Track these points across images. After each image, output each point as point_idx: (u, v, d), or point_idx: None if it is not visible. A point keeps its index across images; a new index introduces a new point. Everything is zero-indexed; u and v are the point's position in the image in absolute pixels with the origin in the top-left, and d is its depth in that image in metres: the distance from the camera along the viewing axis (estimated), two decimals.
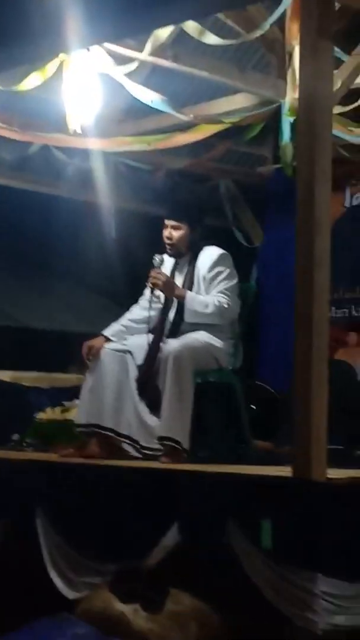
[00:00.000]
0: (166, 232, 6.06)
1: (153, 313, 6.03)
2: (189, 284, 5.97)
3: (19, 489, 5.54)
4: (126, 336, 6.05)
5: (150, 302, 6.02)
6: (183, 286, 5.96)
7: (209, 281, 5.92)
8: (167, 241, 6.05)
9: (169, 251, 6.07)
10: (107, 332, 6.05)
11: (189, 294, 5.86)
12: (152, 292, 6.01)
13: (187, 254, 6.07)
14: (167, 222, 6.06)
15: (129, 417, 5.79)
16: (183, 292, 5.89)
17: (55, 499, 5.39)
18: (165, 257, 6.09)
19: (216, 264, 5.96)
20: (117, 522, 5.09)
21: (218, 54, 7.81)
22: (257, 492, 4.64)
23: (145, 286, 6.12)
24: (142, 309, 6.13)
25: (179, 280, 6.02)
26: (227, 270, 5.96)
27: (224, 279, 5.93)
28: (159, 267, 6.01)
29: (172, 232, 6.04)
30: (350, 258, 9.02)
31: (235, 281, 5.96)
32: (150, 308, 6.02)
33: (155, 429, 5.70)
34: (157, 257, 6.03)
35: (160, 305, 6.06)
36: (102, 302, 11.11)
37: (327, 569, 4.37)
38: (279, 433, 7.77)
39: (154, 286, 5.94)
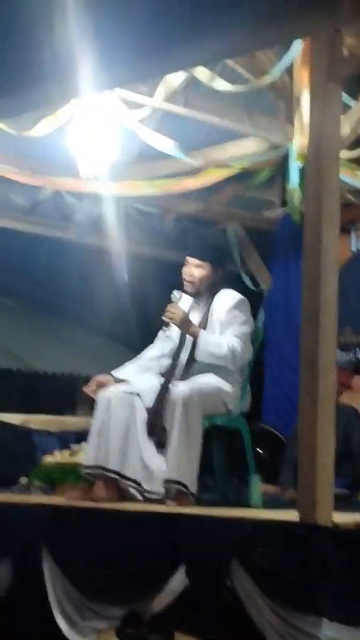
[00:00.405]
0: (187, 270, 6.03)
1: (167, 350, 6.02)
2: (205, 324, 5.95)
3: (26, 531, 5.50)
4: (136, 377, 6.02)
5: (165, 336, 6.02)
6: (198, 326, 5.93)
7: (225, 325, 5.90)
8: (188, 278, 6.03)
9: (187, 289, 6.04)
10: (115, 372, 6.04)
11: (204, 333, 5.84)
12: (166, 326, 5.98)
13: (204, 294, 6.05)
14: (190, 260, 6.03)
15: (134, 461, 5.77)
16: (198, 329, 5.86)
17: (61, 542, 5.36)
18: (183, 295, 6.07)
19: (234, 308, 5.94)
20: (124, 566, 5.06)
21: (227, 99, 7.86)
22: (262, 536, 4.61)
23: (157, 330, 6.11)
24: (155, 347, 6.12)
25: (193, 319, 6.00)
26: (244, 316, 5.94)
27: (240, 323, 5.91)
28: (177, 303, 5.98)
29: (194, 270, 6.01)
30: (356, 302, 9.03)
31: (250, 328, 5.95)
32: (164, 342, 6.02)
33: (160, 473, 5.67)
34: (176, 293, 6.01)
35: (173, 345, 6.04)
36: (112, 346, 11.10)
37: (332, 614, 4.33)
38: (284, 476, 7.75)
39: (170, 320, 5.92)
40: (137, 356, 6.19)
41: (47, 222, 9.21)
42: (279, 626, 4.41)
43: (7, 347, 11.26)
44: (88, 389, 6.03)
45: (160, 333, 6.10)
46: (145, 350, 6.21)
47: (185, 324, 5.91)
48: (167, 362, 6.05)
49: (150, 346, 6.20)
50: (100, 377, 6.01)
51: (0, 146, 7.69)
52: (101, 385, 5.96)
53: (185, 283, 6.04)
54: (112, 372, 6.04)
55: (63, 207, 9.12)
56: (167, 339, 6.06)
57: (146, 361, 6.14)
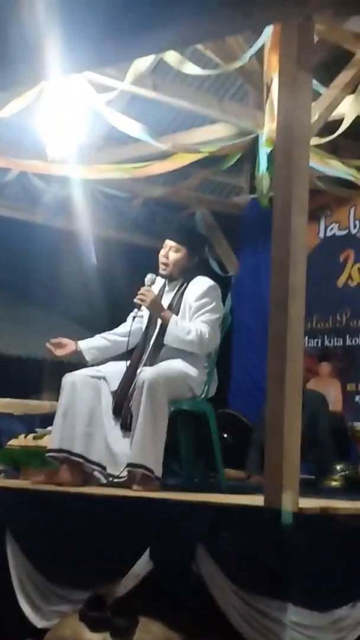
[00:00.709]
0: (163, 252, 6.03)
1: (135, 328, 6.03)
2: (176, 309, 5.95)
3: None
4: (99, 350, 6.13)
5: (134, 317, 6.03)
6: (169, 309, 5.93)
7: (194, 310, 5.90)
8: (163, 260, 6.03)
9: (161, 271, 6.04)
10: (81, 341, 6.14)
11: (174, 317, 5.84)
12: (138, 308, 5.99)
13: (178, 279, 6.04)
14: (168, 242, 6.02)
15: (99, 444, 5.77)
16: (168, 314, 5.86)
17: (25, 525, 5.35)
18: (157, 279, 6.07)
19: (205, 294, 5.94)
20: (87, 550, 5.06)
21: (197, 84, 7.86)
22: (228, 521, 4.62)
23: (124, 313, 6.11)
24: (123, 325, 6.15)
25: (165, 302, 6.00)
26: (214, 303, 5.94)
27: (210, 310, 5.90)
28: (150, 286, 5.98)
29: (170, 253, 6.02)
30: (324, 288, 9.06)
31: (219, 315, 5.94)
32: (132, 324, 6.03)
33: (125, 457, 5.67)
34: (149, 276, 6.01)
35: (142, 326, 6.05)
36: (80, 330, 11.05)
37: (297, 599, 4.35)
38: (251, 462, 7.78)
39: (142, 302, 5.92)
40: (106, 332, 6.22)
41: (13, 205, 9.16)
42: (244, 611, 4.43)
43: None
44: (49, 344, 6.14)
45: (130, 314, 6.10)
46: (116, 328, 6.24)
47: (156, 307, 5.90)
48: (134, 341, 6.06)
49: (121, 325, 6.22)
50: (65, 340, 6.13)
51: None
52: (60, 347, 6.10)
53: (160, 265, 6.04)
54: (79, 341, 6.12)
55: (30, 189, 9.08)
56: (136, 321, 6.06)
57: (112, 335, 6.16)
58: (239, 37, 6.99)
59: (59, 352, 6.17)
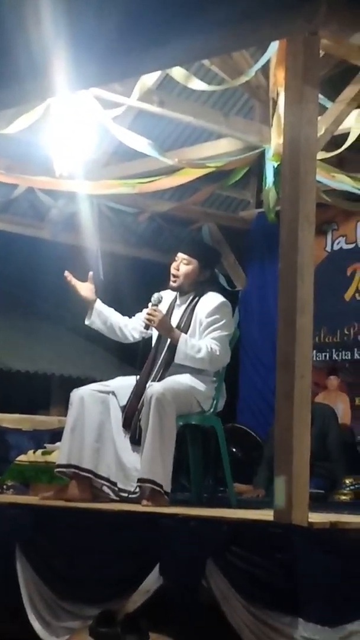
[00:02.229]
0: (174, 265, 6.04)
1: (139, 327, 6.05)
2: (187, 324, 5.94)
3: None
4: (106, 327, 6.14)
5: (144, 337, 6.06)
6: (180, 324, 5.94)
7: (205, 326, 5.90)
8: (174, 272, 6.04)
9: (172, 284, 6.05)
10: (99, 304, 6.14)
11: (183, 336, 5.83)
12: (146, 328, 5.99)
13: (189, 292, 6.05)
14: (180, 255, 6.04)
15: (108, 460, 5.77)
16: (177, 333, 5.85)
17: (35, 541, 5.35)
18: (165, 294, 6.07)
19: (216, 310, 5.93)
20: (97, 566, 5.05)
21: (203, 99, 7.88)
22: (237, 536, 4.61)
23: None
24: (134, 322, 6.18)
25: (176, 316, 6.00)
26: (225, 320, 5.93)
27: (220, 327, 5.89)
28: (157, 305, 5.98)
29: (181, 265, 6.02)
30: (331, 302, 9.06)
31: (229, 332, 5.94)
32: (142, 344, 6.06)
33: (135, 472, 5.67)
34: (155, 295, 6.02)
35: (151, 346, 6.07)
36: (87, 346, 11.10)
37: (307, 614, 4.34)
38: (260, 477, 7.77)
39: (150, 323, 5.92)
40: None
41: (21, 221, 9.19)
42: (255, 626, 4.42)
43: None
44: (69, 276, 6.10)
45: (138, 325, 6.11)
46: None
47: (165, 328, 5.90)
48: (130, 334, 6.12)
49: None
50: (91, 286, 6.12)
51: None
52: (82, 284, 6.07)
53: (171, 277, 6.06)
54: (98, 301, 6.13)
55: (37, 205, 9.10)
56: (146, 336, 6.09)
57: (120, 317, 6.17)
58: (244, 52, 7.02)
59: (77, 285, 6.10)
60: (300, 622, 4.31)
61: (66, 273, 6.11)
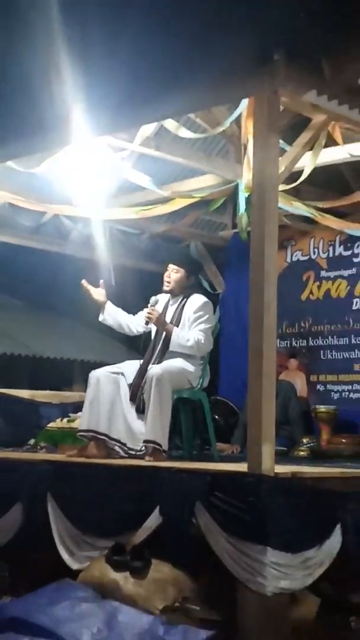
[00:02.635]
0: (167, 273, 6.06)
1: (141, 322, 6.07)
2: (178, 319, 5.96)
3: (34, 482, 5.49)
4: (115, 323, 6.15)
5: (144, 331, 6.09)
6: (172, 319, 5.95)
7: (192, 320, 5.91)
8: (167, 279, 6.05)
9: (165, 288, 6.07)
10: (109, 305, 6.12)
11: (175, 330, 5.85)
12: (146, 324, 6.01)
13: (179, 295, 6.06)
14: (170, 266, 6.06)
15: (119, 425, 5.77)
16: (171, 327, 5.87)
17: (62, 489, 5.35)
18: (160, 296, 6.09)
19: (200, 308, 5.94)
20: (111, 508, 5.06)
21: (190, 144, 7.87)
22: (219, 483, 4.62)
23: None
24: (135, 316, 6.17)
25: (170, 313, 6.02)
26: (208, 315, 5.94)
27: (204, 321, 5.91)
28: (154, 306, 6.01)
29: (172, 273, 6.04)
30: (291, 302, 9.07)
31: (212, 324, 5.95)
32: (143, 337, 6.09)
33: (140, 435, 5.68)
34: (153, 298, 6.05)
35: (147, 331, 6.09)
36: (100, 337, 11.06)
37: (274, 543, 4.35)
38: (237, 437, 7.77)
39: (150, 320, 5.94)
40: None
41: (49, 240, 9.15)
42: (233, 553, 4.43)
43: (17, 338, 11.20)
44: (85, 283, 6.08)
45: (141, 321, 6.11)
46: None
47: (161, 323, 5.93)
48: (135, 329, 6.11)
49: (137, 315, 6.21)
50: (102, 290, 6.10)
51: (10, 180, 7.66)
52: (95, 290, 6.06)
53: (164, 283, 6.08)
54: (109, 302, 6.12)
55: (61, 228, 9.07)
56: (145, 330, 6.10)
57: (126, 315, 6.16)
58: (221, 108, 7.01)
59: (91, 290, 6.07)
60: (268, 550, 4.33)
61: (83, 281, 6.12)
